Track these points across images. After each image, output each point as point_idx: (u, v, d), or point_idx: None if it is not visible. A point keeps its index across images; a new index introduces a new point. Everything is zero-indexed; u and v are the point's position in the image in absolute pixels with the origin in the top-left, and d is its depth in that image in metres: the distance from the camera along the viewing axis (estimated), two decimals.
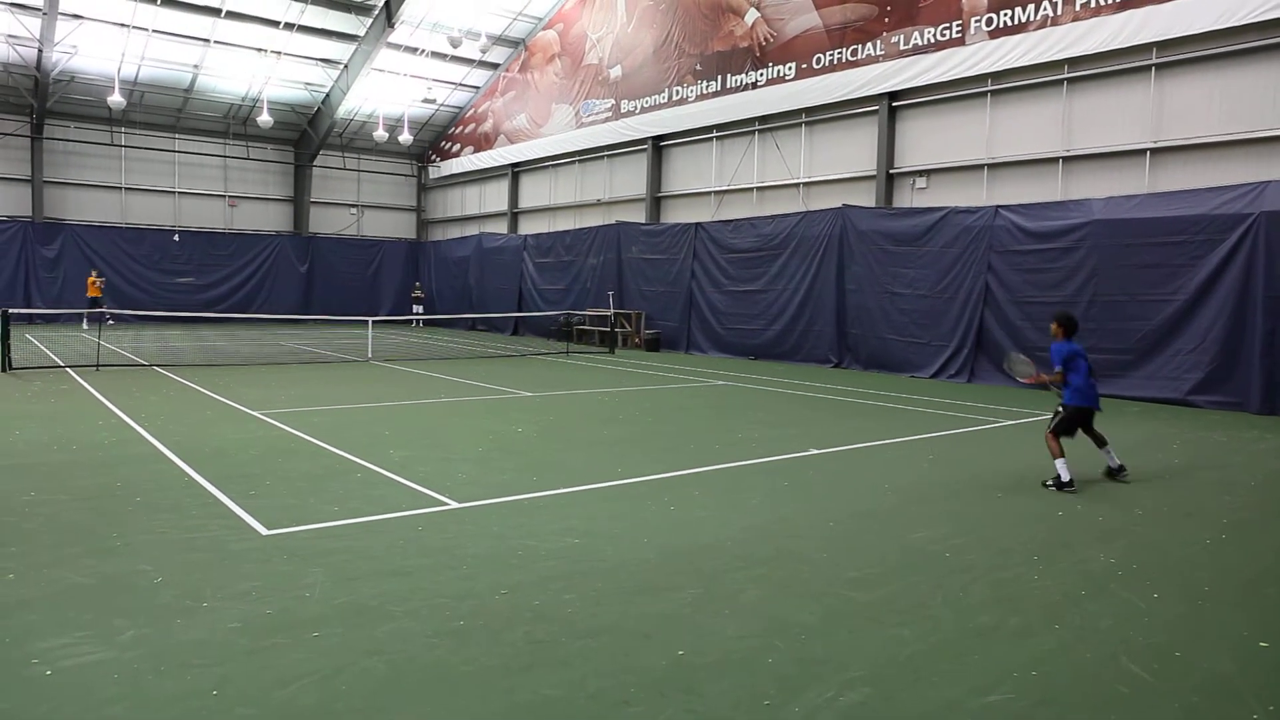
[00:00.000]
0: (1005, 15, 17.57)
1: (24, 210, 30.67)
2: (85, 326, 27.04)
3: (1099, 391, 8.39)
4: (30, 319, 28.73)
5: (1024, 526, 6.50)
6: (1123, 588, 5.15)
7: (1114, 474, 8.17)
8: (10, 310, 16.79)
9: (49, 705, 3.49)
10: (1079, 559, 5.70)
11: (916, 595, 4.96)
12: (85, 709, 3.47)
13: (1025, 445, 10.19)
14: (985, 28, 17.90)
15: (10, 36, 26.50)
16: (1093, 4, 16.25)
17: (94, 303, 26.75)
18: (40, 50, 26.92)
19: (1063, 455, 7.82)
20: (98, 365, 16.28)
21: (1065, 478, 7.68)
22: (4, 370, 15.26)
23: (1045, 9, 16.94)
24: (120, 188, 32.63)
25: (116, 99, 27.47)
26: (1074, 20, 16.48)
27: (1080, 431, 8.13)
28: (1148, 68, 15.79)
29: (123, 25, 27.00)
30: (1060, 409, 8.13)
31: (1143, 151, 15.93)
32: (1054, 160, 17.24)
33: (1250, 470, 9.01)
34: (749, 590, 4.99)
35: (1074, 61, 16.72)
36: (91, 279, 27.55)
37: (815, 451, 9.41)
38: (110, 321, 27.65)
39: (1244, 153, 14.71)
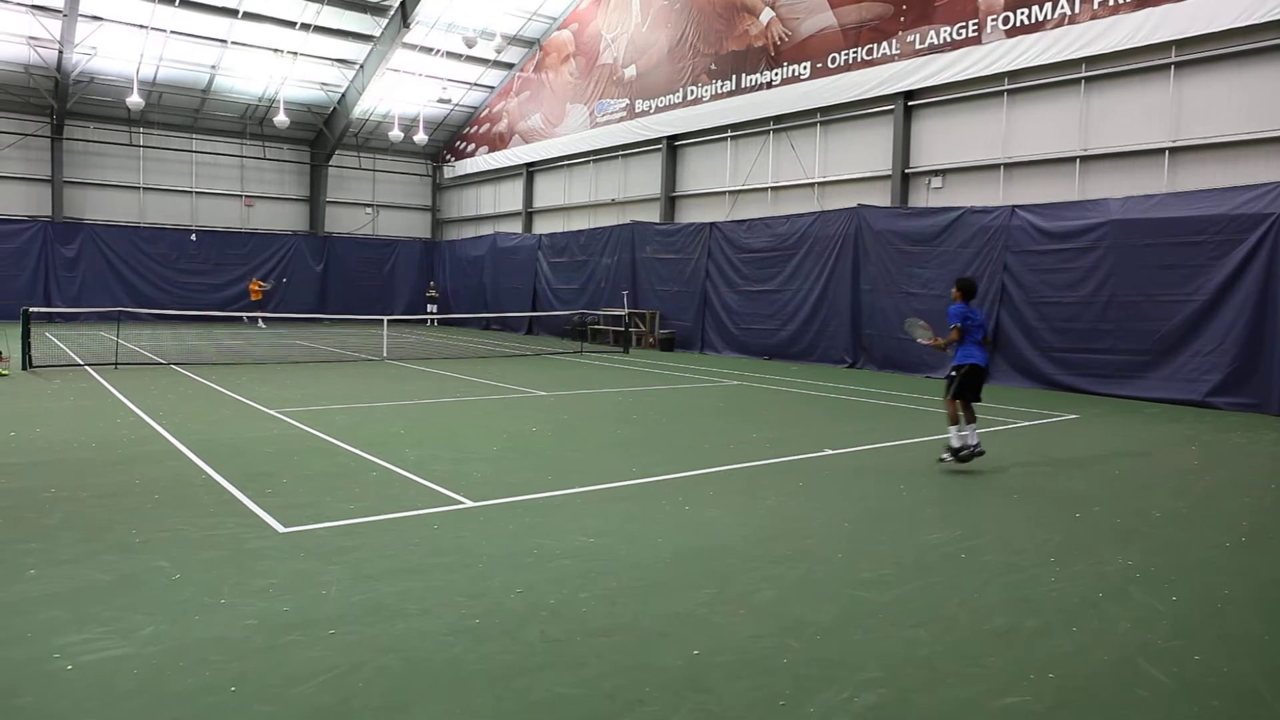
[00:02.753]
0: (1022, 14, 17.46)
1: (44, 210, 30.97)
2: (262, 325, 30.15)
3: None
4: (50, 318, 29.00)
5: (1040, 528, 6.46)
6: (1141, 590, 5.11)
7: (957, 453, 8.21)
8: (30, 309, 16.97)
9: (70, 700, 3.53)
10: (1096, 561, 5.66)
11: (932, 596, 4.94)
12: (105, 703, 3.51)
13: (1041, 446, 10.13)
14: (1002, 26, 17.80)
15: (31, 39, 26.78)
16: (1111, 2, 16.13)
17: (258, 305, 30.41)
18: (61, 52, 27.19)
19: (958, 422, 7.93)
20: (116, 363, 16.42)
21: (957, 444, 7.78)
22: (25, 368, 15.41)
23: (1063, 7, 16.83)
24: (138, 187, 32.91)
25: (135, 100, 27.71)
26: (1092, 19, 16.36)
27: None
28: (1166, 66, 15.66)
29: (141, 26, 27.24)
30: (953, 372, 8.33)
31: (1161, 151, 15.80)
32: (1071, 160, 17.12)
33: (1270, 472, 8.92)
34: (764, 590, 4.99)
35: (1091, 60, 16.61)
36: (255, 285, 31.25)
37: (830, 452, 9.38)
38: (261, 325, 30.48)
39: (1264, 152, 14.56)
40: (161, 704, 3.51)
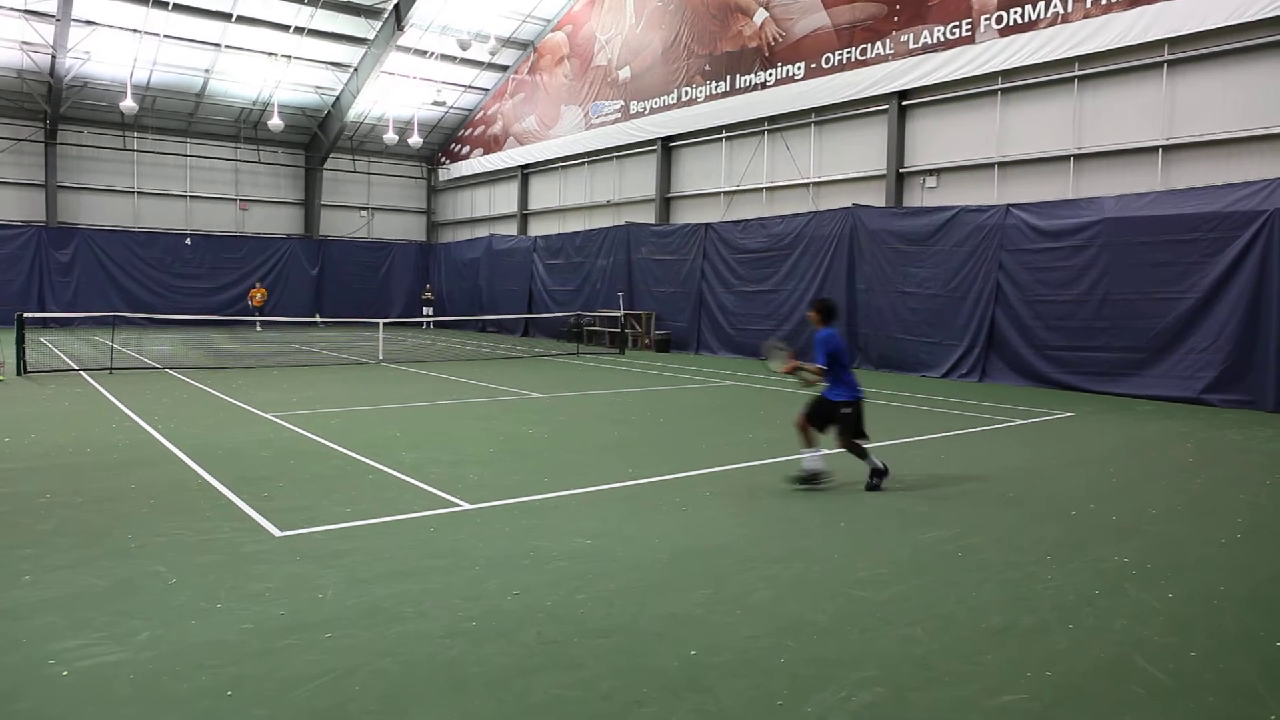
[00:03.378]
0: (1015, 13, 17.50)
1: (38, 215, 30.91)
2: (259, 329, 31.10)
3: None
4: (45, 323, 28.93)
5: (1037, 526, 6.47)
6: (1137, 587, 5.12)
7: (806, 479, 7.50)
8: (25, 314, 16.93)
9: (66, 705, 3.52)
10: (1092, 558, 5.67)
11: (929, 595, 4.95)
12: (101, 709, 3.50)
13: (1036, 444, 10.15)
14: (995, 26, 17.83)
15: (25, 43, 26.73)
16: (1103, 1, 16.17)
17: (260, 312, 31.27)
18: (54, 56, 27.15)
19: (815, 445, 7.42)
20: (111, 368, 16.38)
21: (818, 467, 7.34)
22: (19, 373, 15.37)
23: (1056, 6, 16.87)
24: (133, 192, 32.85)
25: (129, 104, 27.67)
26: (1085, 17, 16.40)
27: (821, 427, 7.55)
28: (1159, 64, 15.71)
29: (135, 31, 27.20)
30: (846, 409, 7.51)
31: (1155, 149, 15.84)
32: (1065, 158, 17.16)
33: (1266, 469, 8.94)
34: (760, 590, 4.99)
35: (1085, 59, 16.65)
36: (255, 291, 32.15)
37: (826, 452, 9.37)
38: (258, 329, 31.28)
39: (1258, 149, 14.61)
40: (158, 709, 3.50)
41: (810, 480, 7.48)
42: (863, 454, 7.56)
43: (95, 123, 31.41)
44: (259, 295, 32.28)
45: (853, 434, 7.58)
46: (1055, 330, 15.82)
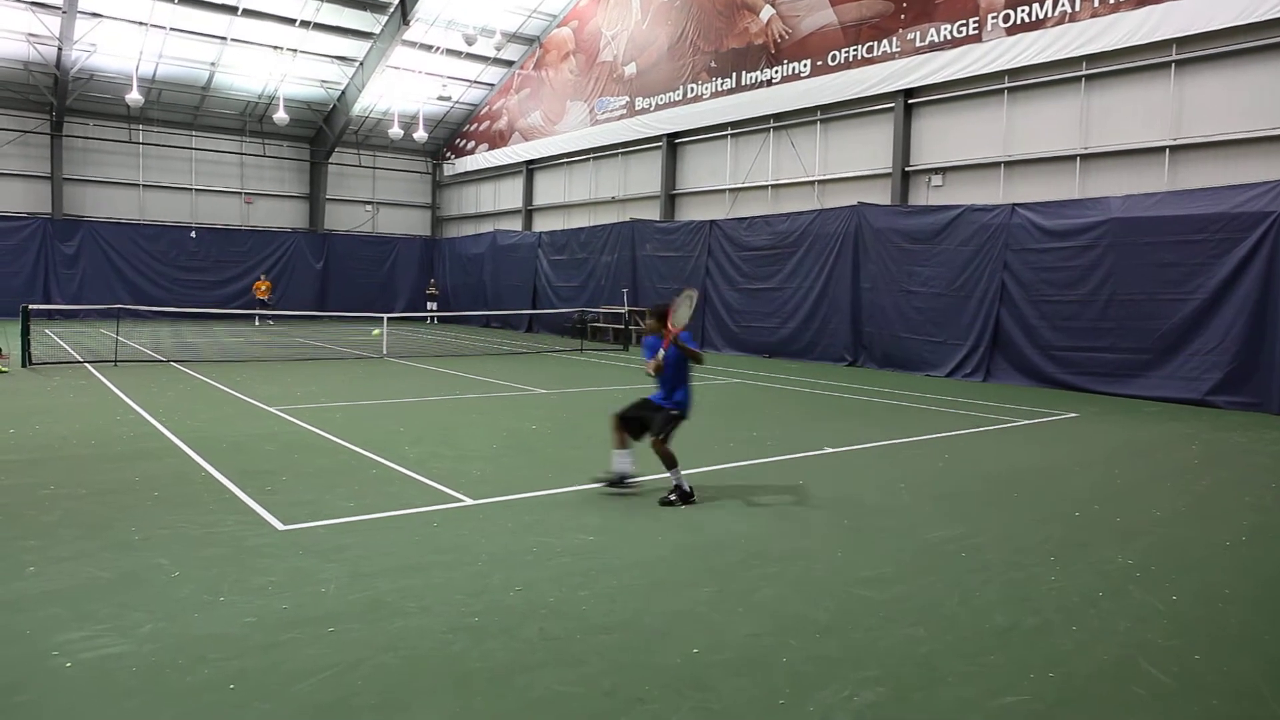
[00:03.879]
0: (1023, 11, 17.44)
1: (43, 207, 30.94)
2: (257, 324, 30.41)
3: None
4: (50, 315, 28.97)
5: (1040, 526, 6.46)
6: (1141, 589, 5.11)
7: (616, 481, 7.14)
8: (30, 306, 16.96)
9: (69, 697, 3.53)
10: (1096, 559, 5.66)
11: (932, 594, 4.94)
12: (105, 701, 3.51)
13: (1041, 445, 10.13)
14: (1002, 24, 17.78)
15: (31, 35, 26.73)
16: (1111, 0, 16.11)
17: (263, 304, 30.68)
18: (60, 48, 27.15)
19: (675, 466, 6.88)
20: (116, 361, 16.41)
21: (681, 485, 6.84)
22: (24, 365, 15.40)
23: (1063, 5, 16.81)
24: (138, 185, 32.87)
25: (135, 96, 27.68)
26: (1093, 16, 16.34)
27: (631, 433, 7.15)
28: (1167, 64, 15.65)
29: (141, 23, 27.19)
30: (675, 411, 7.15)
31: (1162, 149, 15.79)
32: (1072, 158, 17.11)
33: (1271, 471, 8.92)
34: (763, 588, 4.98)
35: (1092, 58, 16.59)
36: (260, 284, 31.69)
37: (830, 450, 9.38)
38: (270, 324, 30.93)
39: (1265, 150, 14.54)
40: (161, 702, 3.51)
41: (617, 483, 7.02)
42: (673, 464, 6.90)
43: (101, 115, 31.43)
44: (263, 287, 32.02)
45: (665, 439, 6.99)
46: (1060, 330, 15.78)
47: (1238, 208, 13.67)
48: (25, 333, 16.14)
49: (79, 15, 25.80)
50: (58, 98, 29.37)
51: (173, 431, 9.46)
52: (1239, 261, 13.57)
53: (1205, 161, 15.30)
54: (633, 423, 7.20)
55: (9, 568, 5.02)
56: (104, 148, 32.03)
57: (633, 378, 16.40)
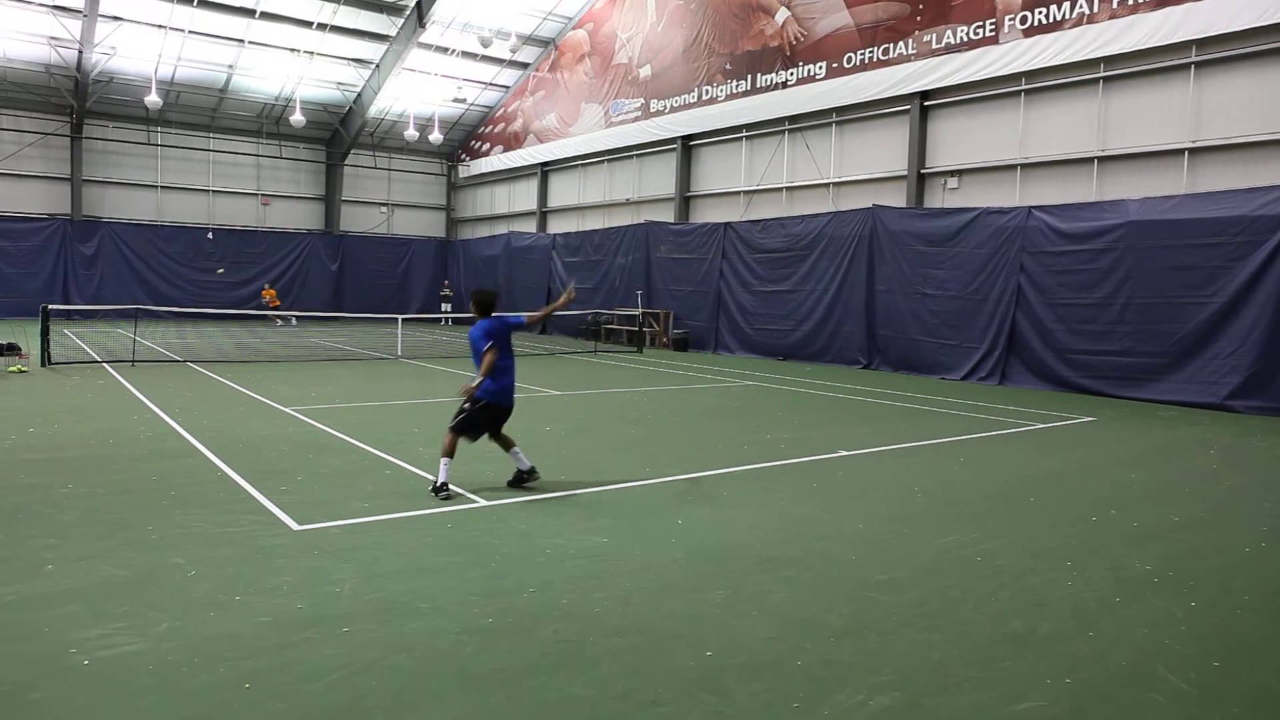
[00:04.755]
0: (1040, 13, 17.34)
1: (63, 208, 31.24)
2: (279, 324, 30.95)
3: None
4: (69, 315, 29.25)
5: (1056, 531, 6.41)
6: (1158, 595, 5.06)
7: (523, 478, 7.26)
8: (49, 306, 17.12)
9: (86, 695, 3.55)
10: (1113, 565, 5.61)
11: (947, 599, 4.91)
12: (121, 699, 3.53)
13: (1058, 449, 10.05)
14: (1019, 26, 17.68)
15: (52, 39, 27.02)
16: (1130, 1, 16.00)
17: (275, 310, 31.11)
18: (80, 51, 27.42)
19: (451, 456, 6.89)
20: (133, 361, 16.54)
21: (442, 479, 6.80)
22: (44, 365, 15.54)
23: (1081, 7, 16.70)
24: (156, 186, 33.14)
25: (153, 99, 27.90)
26: (1111, 18, 16.23)
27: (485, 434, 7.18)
28: (1186, 66, 15.52)
29: (160, 26, 27.43)
30: (469, 403, 7.06)
31: (1180, 151, 15.65)
32: (1089, 160, 16.99)
33: None
34: (777, 592, 4.97)
35: (1110, 60, 16.47)
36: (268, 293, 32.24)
37: (844, 453, 9.34)
38: (294, 323, 31.42)
39: None
40: (176, 700, 3.53)
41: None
42: (445, 451, 6.94)
43: (120, 117, 31.72)
44: (269, 295, 32.29)
45: (458, 430, 7.00)
46: (1077, 334, 15.68)
47: (1258, 211, 13.55)
48: (45, 332, 16.30)
49: (100, 18, 26.05)
50: (78, 100, 29.66)
51: (189, 431, 9.53)
52: (1259, 265, 13.45)
53: (1225, 164, 15.16)
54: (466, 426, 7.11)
55: (28, 565, 5.07)
56: (123, 150, 32.31)
57: (646, 380, 16.40)
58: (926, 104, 19.62)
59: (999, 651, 4.21)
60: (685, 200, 26.38)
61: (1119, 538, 6.29)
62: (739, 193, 24.53)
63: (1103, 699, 3.74)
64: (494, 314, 7.25)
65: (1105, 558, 5.77)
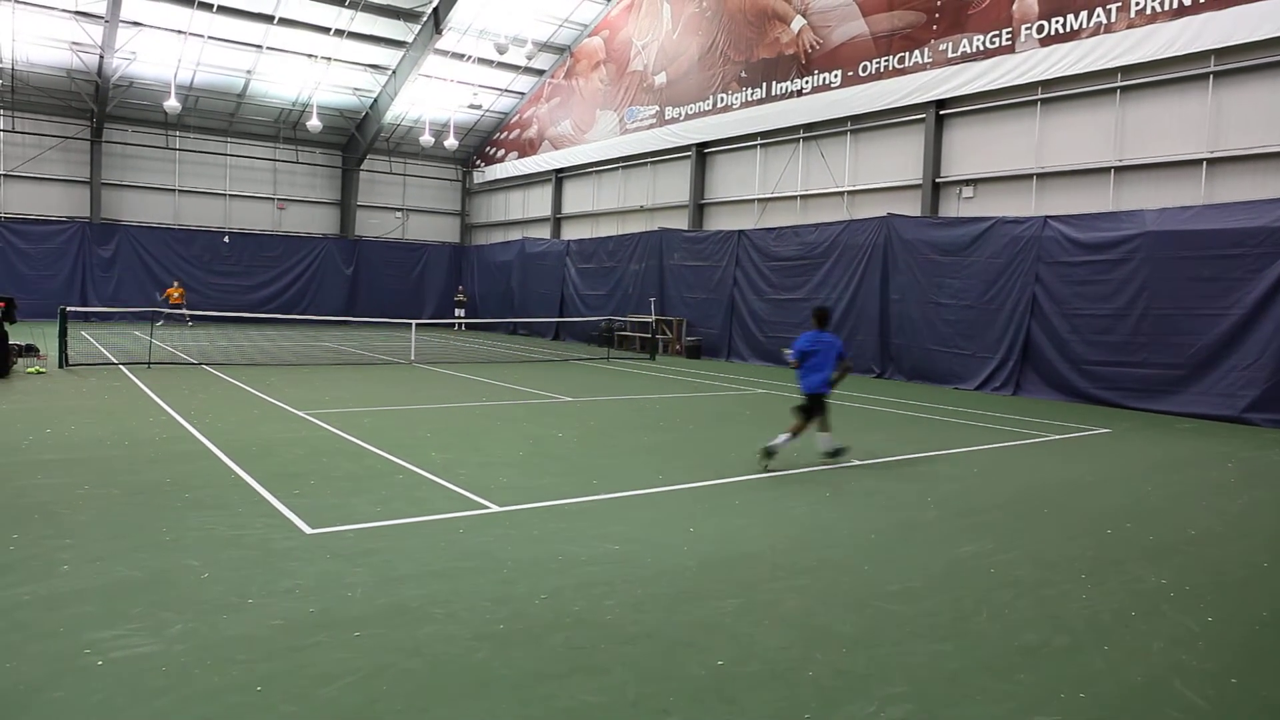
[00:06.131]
0: (1057, 22, 17.29)
1: (82, 211, 31.54)
2: (190, 324, 29.78)
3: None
4: (86, 317, 29.50)
5: (1071, 543, 6.36)
6: (1175, 609, 5.01)
7: (838, 453, 9.13)
8: (67, 308, 17.27)
9: (100, 695, 3.57)
10: (1129, 578, 5.57)
11: (960, 610, 4.88)
12: (134, 700, 3.54)
13: (1072, 460, 9.98)
14: (1036, 35, 17.63)
15: (74, 44, 27.32)
16: (1148, 10, 15.93)
17: (176, 308, 29.57)
18: (102, 56, 27.71)
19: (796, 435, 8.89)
20: (149, 363, 16.65)
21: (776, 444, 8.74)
22: (61, 366, 15.67)
23: (1099, 16, 16.64)
24: (174, 190, 33.42)
25: (172, 104, 28.17)
26: (1128, 28, 16.16)
27: None
28: (1204, 76, 15.43)
29: (179, 32, 27.69)
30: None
31: (1199, 162, 15.56)
32: (1105, 170, 16.91)
33: None
34: (789, 600, 4.95)
35: (1128, 70, 16.40)
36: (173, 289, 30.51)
37: (857, 463, 9.31)
38: (189, 324, 30.29)
39: None
40: (189, 702, 3.54)
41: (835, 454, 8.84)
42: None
43: (139, 122, 32.01)
44: (176, 294, 29.96)
45: None
46: (1093, 345, 15.58)
47: (1277, 222, 13.44)
48: (63, 334, 16.43)
49: (120, 24, 26.33)
50: (98, 104, 29.96)
51: (204, 434, 9.58)
52: (1278, 276, 13.33)
53: (1243, 175, 15.05)
54: None
55: (44, 566, 5.11)
56: (142, 154, 32.60)
57: (659, 387, 16.39)
58: (942, 113, 19.57)
59: (1013, 664, 4.18)
60: (699, 207, 26.39)
61: (1135, 550, 6.23)
62: (753, 200, 24.53)
63: (1118, 714, 3.71)
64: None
65: (1121, 570, 5.73)
